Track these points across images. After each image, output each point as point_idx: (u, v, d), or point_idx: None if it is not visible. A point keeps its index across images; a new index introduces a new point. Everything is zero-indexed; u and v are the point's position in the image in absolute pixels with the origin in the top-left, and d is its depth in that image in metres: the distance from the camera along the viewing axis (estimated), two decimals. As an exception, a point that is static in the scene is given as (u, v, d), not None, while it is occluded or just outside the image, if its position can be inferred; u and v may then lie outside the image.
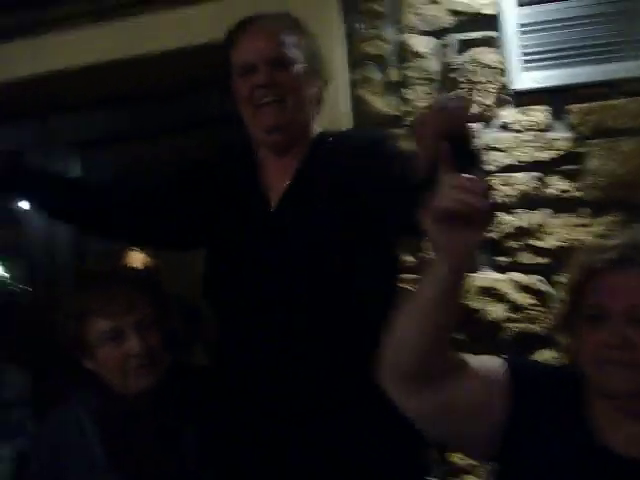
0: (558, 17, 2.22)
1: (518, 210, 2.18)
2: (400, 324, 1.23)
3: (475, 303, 2.18)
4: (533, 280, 2.16)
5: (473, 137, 1.16)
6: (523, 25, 2.23)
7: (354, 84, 2.32)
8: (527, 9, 2.23)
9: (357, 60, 2.34)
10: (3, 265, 4.19)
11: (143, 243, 2.17)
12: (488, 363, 1.39)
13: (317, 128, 1.75)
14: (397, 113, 2.30)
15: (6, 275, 4.20)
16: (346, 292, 1.57)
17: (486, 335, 2.18)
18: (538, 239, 2.16)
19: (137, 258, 3.43)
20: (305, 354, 1.56)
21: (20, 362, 3.79)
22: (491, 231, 2.17)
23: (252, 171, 1.73)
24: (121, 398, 1.63)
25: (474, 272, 1.93)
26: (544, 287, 2.15)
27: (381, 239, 1.63)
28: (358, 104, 2.32)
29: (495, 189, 2.17)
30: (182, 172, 1.87)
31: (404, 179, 1.32)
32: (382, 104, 2.31)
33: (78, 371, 1.69)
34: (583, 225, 2.14)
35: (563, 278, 2.11)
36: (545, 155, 2.18)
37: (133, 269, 1.95)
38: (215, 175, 1.79)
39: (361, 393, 1.51)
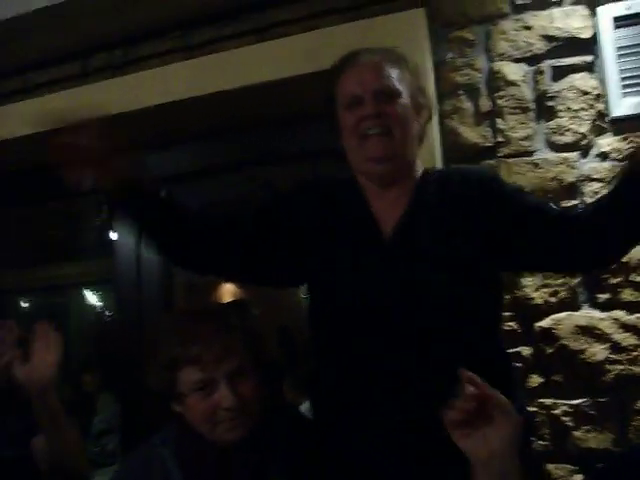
0: (659, 38, 2.13)
1: (620, 244, 2.06)
2: None
3: (573, 343, 2.08)
4: (637, 319, 2.04)
5: None
6: (621, 48, 2.16)
7: (444, 114, 2.27)
8: (625, 31, 2.16)
9: (447, 90, 2.30)
10: (97, 295, 4.33)
11: (245, 279, 2.02)
12: None
13: (419, 163, 1.72)
14: (489, 144, 2.24)
15: (100, 304, 4.33)
16: (462, 330, 1.52)
17: (585, 378, 2.07)
18: (641, 274, 2.05)
19: (229, 291, 3.44)
20: (422, 402, 1.47)
21: (113, 390, 3.88)
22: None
23: (358, 203, 1.69)
24: (210, 444, 1.55)
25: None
26: (649, 326, 2.03)
27: (495, 273, 1.63)
28: (448, 135, 2.27)
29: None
30: (279, 206, 1.81)
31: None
32: (473, 135, 2.25)
33: (168, 409, 1.66)
34: (690, 258, 2.01)
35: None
36: (647, 185, 2.06)
37: (226, 308, 1.85)
38: (316, 208, 1.74)
39: None
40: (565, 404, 2.07)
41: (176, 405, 1.59)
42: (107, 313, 4.19)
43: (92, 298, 4.45)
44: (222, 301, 3.25)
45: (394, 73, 1.65)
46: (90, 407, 4.04)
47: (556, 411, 2.07)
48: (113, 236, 3.06)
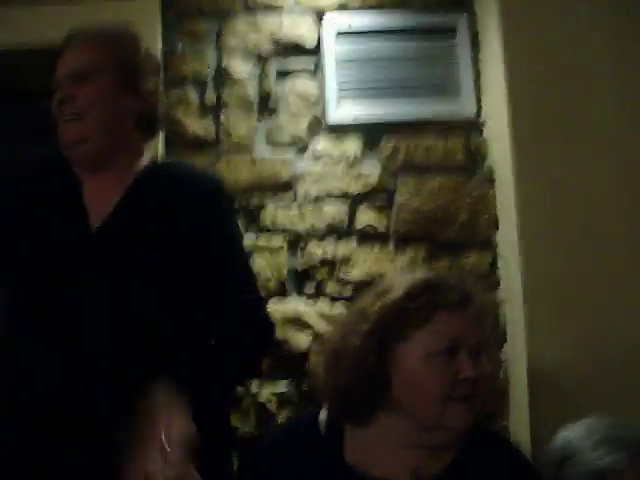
0: (375, 55, 2.31)
1: (325, 241, 2.22)
2: None
3: (281, 332, 2.16)
4: (337, 310, 2.18)
5: None
6: (340, 59, 2.30)
7: (169, 104, 2.26)
8: (345, 45, 2.31)
9: (174, 80, 2.30)
10: None
11: None
12: None
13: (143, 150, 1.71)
14: (211, 137, 2.29)
15: None
16: (162, 325, 1.51)
17: (291, 364, 2.17)
18: (344, 270, 2.20)
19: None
20: (115, 384, 1.44)
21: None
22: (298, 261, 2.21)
23: (70, 189, 1.63)
24: None
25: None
26: (348, 317, 2.17)
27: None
28: (172, 125, 2.26)
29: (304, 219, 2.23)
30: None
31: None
32: (197, 127, 2.29)
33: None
34: (387, 258, 2.20)
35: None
36: (354, 188, 2.24)
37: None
38: (31, 191, 1.66)
39: None
40: (269, 391, 2.16)
41: None
42: None
43: None
44: None
45: (98, 52, 1.62)
46: None
47: (261, 399, 2.15)
48: None
